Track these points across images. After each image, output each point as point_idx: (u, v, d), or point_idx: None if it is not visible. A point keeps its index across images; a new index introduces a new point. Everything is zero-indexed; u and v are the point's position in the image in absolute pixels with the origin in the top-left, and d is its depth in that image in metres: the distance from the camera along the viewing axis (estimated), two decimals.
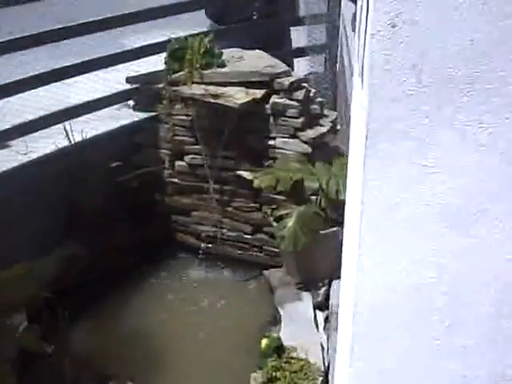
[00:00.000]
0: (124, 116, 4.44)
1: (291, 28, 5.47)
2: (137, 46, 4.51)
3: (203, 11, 5.20)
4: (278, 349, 3.06)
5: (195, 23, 5.13)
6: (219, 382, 3.32)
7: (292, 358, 3.01)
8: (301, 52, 5.43)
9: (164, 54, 4.24)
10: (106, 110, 4.42)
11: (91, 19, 4.13)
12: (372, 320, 1.62)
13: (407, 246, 1.54)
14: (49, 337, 3.27)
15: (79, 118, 4.22)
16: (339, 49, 5.44)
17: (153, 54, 4.44)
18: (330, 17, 5.40)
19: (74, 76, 4.21)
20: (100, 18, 4.19)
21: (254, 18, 5.29)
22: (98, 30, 4.17)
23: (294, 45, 5.49)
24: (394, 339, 1.62)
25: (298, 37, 5.55)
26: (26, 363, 3.30)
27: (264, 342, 3.11)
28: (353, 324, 1.64)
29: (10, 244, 3.58)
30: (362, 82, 1.54)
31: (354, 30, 5.32)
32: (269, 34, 5.33)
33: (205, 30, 4.78)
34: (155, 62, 4.35)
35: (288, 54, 5.33)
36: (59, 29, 4.01)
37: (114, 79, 4.48)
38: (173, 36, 4.26)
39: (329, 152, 4.25)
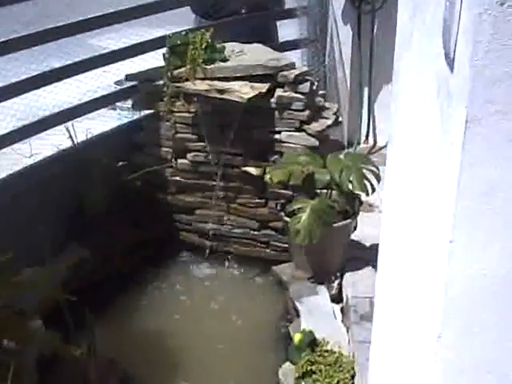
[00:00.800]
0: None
1: (282, 21, 5.43)
2: (125, 45, 4.40)
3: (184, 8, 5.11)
4: (312, 343, 3.04)
5: (173, 20, 5.07)
6: (241, 378, 3.26)
7: (326, 351, 3.00)
8: (291, 45, 5.40)
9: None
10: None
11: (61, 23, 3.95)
12: (464, 307, 1.61)
13: (502, 233, 1.52)
14: (70, 338, 3.19)
15: (79, 119, 4.12)
16: (329, 41, 5.44)
17: (145, 52, 4.36)
18: (318, 9, 5.39)
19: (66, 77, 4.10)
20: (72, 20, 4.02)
21: (243, 11, 5.25)
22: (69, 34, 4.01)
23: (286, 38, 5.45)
24: (489, 328, 1.60)
25: (287, 30, 5.53)
26: (47, 365, 3.24)
27: (297, 336, 3.09)
28: (443, 311, 1.62)
29: (16, 247, 3.48)
30: (453, 65, 1.52)
31: (344, 23, 5.36)
32: (256, 28, 5.31)
33: (186, 27, 4.68)
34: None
35: (276, 48, 5.31)
36: (31, 34, 3.82)
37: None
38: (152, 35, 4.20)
39: (332, 145, 4.26)
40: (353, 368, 2.97)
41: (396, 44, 2.28)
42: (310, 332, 3.10)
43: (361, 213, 4.08)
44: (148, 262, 4.31)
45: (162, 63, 4.17)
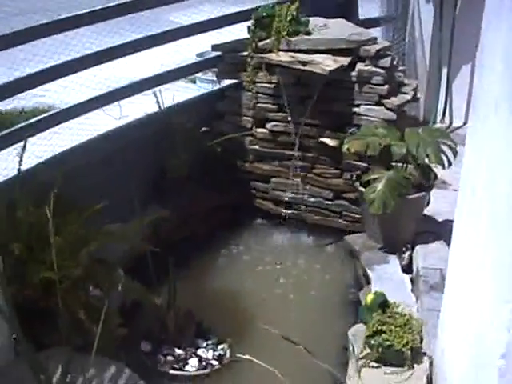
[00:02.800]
0: None
1: None
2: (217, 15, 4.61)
3: None
4: (383, 304, 3.20)
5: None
6: (311, 337, 3.42)
7: (396, 313, 3.15)
8: (372, 22, 5.51)
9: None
10: None
11: None
12: None
13: None
14: (152, 288, 3.42)
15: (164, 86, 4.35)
16: (410, 19, 5.53)
17: (234, 24, 4.57)
18: None
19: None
20: None
21: None
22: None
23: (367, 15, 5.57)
24: None
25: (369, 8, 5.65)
26: (130, 311, 3.51)
27: (369, 297, 3.25)
28: None
29: (105, 202, 3.72)
30: None
31: (427, 1, 5.44)
32: (338, 5, 5.42)
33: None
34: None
35: (357, 25, 5.43)
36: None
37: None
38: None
39: (408, 122, 4.38)
40: (421, 331, 3.11)
41: (484, 17, 2.38)
42: (382, 293, 3.26)
43: (435, 189, 4.20)
44: (224, 225, 4.51)
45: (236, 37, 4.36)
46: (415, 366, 3.00)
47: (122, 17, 4.00)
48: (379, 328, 3.04)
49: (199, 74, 5.38)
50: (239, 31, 4.53)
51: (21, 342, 2.66)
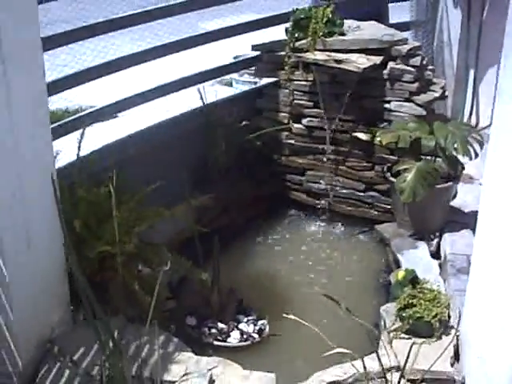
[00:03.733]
0: None
1: (395, 4, 5.83)
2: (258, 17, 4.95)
3: None
4: (413, 280, 3.47)
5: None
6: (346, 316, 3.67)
7: (425, 288, 3.41)
8: (402, 26, 5.78)
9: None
10: None
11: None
12: None
13: None
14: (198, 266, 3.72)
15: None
16: (438, 23, 5.81)
17: (272, 26, 4.90)
18: None
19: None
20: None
21: None
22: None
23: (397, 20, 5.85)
24: None
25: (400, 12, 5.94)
26: (177, 286, 3.84)
27: (401, 273, 3.51)
28: None
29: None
30: None
31: (455, 6, 5.71)
32: (369, 10, 5.72)
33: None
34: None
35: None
36: (137, 13, 4.29)
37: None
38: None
39: (436, 119, 4.64)
40: (449, 306, 3.37)
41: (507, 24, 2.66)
42: (412, 270, 3.52)
43: (461, 183, 4.47)
44: (261, 215, 4.81)
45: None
46: (443, 337, 3.24)
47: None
48: (410, 301, 3.29)
49: (235, 76, 5.70)
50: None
51: (86, 307, 2.91)
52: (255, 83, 5.01)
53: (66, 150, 3.71)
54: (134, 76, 4.65)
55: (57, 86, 3.82)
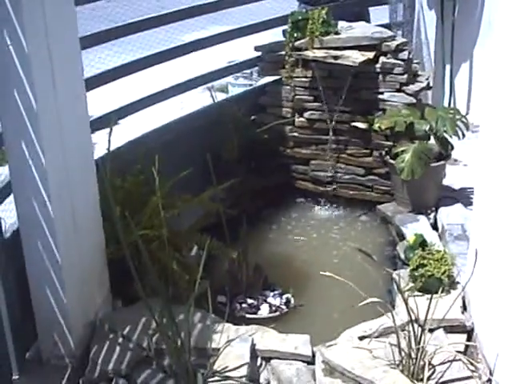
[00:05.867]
0: None
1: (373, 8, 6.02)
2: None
3: None
4: (422, 243, 3.66)
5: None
6: (358, 284, 3.77)
7: (433, 250, 3.59)
8: (384, 27, 5.93)
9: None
10: None
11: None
12: None
13: None
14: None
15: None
16: (416, 24, 5.98)
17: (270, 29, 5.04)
18: None
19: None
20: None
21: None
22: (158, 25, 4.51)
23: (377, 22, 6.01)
24: None
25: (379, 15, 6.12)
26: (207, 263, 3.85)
27: (411, 238, 3.73)
28: None
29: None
30: None
31: (429, 8, 5.89)
32: (352, 13, 5.86)
33: None
34: None
35: None
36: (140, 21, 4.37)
37: None
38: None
39: (424, 106, 4.80)
40: (454, 263, 3.53)
41: None
42: (421, 235, 3.73)
43: (448, 166, 4.64)
44: (270, 204, 4.97)
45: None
46: (452, 291, 3.45)
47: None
48: (421, 262, 3.50)
49: (231, 80, 5.83)
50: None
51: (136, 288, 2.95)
52: (250, 85, 5.14)
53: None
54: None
55: None
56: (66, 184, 3.00)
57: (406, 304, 3.31)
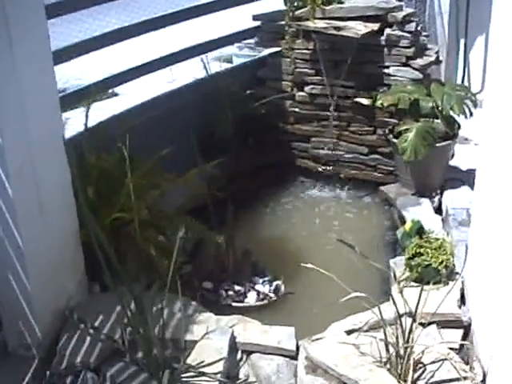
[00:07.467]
0: None
1: None
2: None
3: None
4: (419, 230, 3.34)
5: None
6: (356, 270, 3.44)
7: (431, 238, 3.26)
8: None
9: None
10: None
11: None
12: None
13: None
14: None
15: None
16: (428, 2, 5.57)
17: None
18: None
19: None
20: None
21: None
22: None
23: None
24: None
25: None
26: (193, 249, 3.68)
27: (408, 224, 3.40)
28: None
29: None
30: None
31: None
32: None
33: None
34: None
35: None
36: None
37: None
38: None
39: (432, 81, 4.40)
40: (453, 253, 3.18)
41: None
42: (418, 221, 3.40)
43: (458, 145, 4.26)
44: (268, 183, 4.63)
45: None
46: (450, 282, 3.13)
47: None
48: (417, 251, 3.20)
49: (236, 51, 5.42)
50: None
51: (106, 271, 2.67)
52: (255, 56, 4.76)
53: (74, 121, 3.49)
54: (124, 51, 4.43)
55: None
56: (29, 162, 2.70)
57: (402, 295, 3.02)
